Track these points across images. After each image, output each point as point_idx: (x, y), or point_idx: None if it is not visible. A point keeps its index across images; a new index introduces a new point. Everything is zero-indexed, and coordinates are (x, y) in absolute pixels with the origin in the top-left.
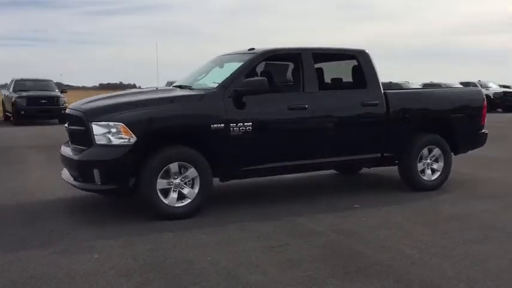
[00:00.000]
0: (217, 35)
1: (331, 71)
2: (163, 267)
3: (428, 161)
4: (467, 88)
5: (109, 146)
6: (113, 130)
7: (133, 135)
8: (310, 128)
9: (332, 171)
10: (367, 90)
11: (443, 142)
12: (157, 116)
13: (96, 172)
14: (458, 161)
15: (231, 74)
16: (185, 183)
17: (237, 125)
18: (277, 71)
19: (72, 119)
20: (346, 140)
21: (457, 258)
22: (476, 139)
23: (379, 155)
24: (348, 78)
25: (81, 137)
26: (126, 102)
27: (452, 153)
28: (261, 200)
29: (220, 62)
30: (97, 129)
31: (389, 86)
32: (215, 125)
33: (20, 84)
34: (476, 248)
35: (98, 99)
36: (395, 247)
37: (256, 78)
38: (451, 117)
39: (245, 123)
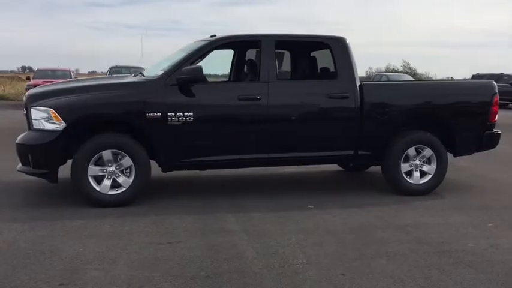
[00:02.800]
0: (347, 24)
1: (319, 60)
2: (24, 253)
3: (417, 162)
4: (474, 81)
5: (41, 131)
6: (46, 115)
7: (62, 121)
8: (262, 121)
9: (333, 167)
10: (338, 81)
11: (436, 142)
12: (87, 103)
13: (29, 156)
14: (485, 159)
15: (176, 62)
16: (121, 172)
17: (175, 115)
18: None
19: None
20: (307, 135)
21: (337, 272)
22: (482, 140)
23: (352, 152)
24: (325, 68)
25: (27, 121)
26: (63, 88)
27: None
28: (212, 194)
29: (187, 49)
30: (34, 113)
31: (500, 77)
32: (151, 114)
33: (115, 71)
34: (375, 264)
35: (49, 85)
36: (283, 254)
37: (192, 66)
38: (445, 114)
39: (185, 113)
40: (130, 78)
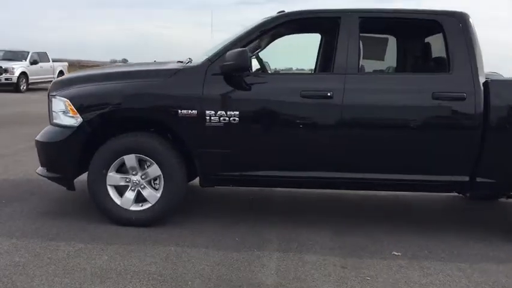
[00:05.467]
0: None
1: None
2: None
3: None
4: None
5: (58, 126)
6: (63, 107)
7: (78, 115)
8: (334, 127)
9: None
10: (451, 76)
11: None
12: (107, 93)
13: (43, 156)
14: None
15: (223, 45)
16: (149, 183)
17: (216, 114)
18: (369, 46)
19: None
20: (396, 151)
21: None
22: None
23: (467, 178)
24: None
25: (49, 113)
26: (86, 75)
27: None
28: (263, 220)
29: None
30: (54, 104)
31: None
32: (184, 111)
33: None
34: None
35: (76, 72)
36: None
37: (236, 49)
38: None
39: (229, 112)
40: (168, 65)
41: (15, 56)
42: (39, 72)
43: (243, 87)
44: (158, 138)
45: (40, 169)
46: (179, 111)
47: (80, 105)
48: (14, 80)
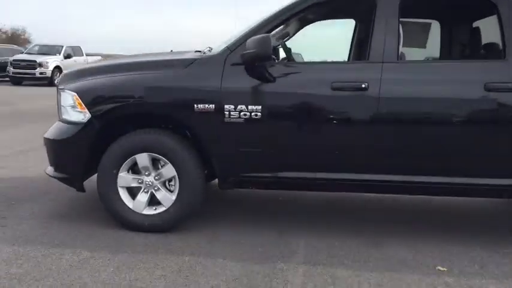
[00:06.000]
0: None
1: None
2: None
3: None
4: None
5: (66, 123)
6: (72, 102)
7: (86, 110)
8: (369, 123)
9: None
10: (507, 62)
11: None
12: (115, 87)
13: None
14: None
15: (246, 32)
16: (163, 184)
17: (236, 108)
18: (409, 32)
19: None
20: (439, 150)
21: None
22: None
23: None
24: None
25: (57, 108)
26: (96, 67)
27: None
28: (290, 225)
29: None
30: (63, 98)
31: None
32: (201, 106)
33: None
34: None
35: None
36: None
37: (258, 36)
38: None
39: (250, 107)
40: (184, 55)
41: (50, 50)
42: (73, 66)
43: (266, 78)
44: (172, 135)
45: (49, 169)
46: (195, 105)
47: (88, 99)
48: (48, 74)
